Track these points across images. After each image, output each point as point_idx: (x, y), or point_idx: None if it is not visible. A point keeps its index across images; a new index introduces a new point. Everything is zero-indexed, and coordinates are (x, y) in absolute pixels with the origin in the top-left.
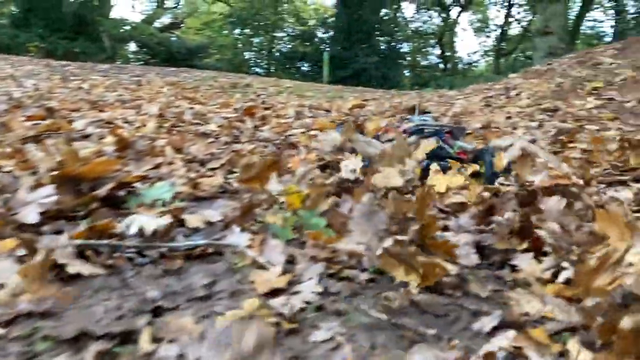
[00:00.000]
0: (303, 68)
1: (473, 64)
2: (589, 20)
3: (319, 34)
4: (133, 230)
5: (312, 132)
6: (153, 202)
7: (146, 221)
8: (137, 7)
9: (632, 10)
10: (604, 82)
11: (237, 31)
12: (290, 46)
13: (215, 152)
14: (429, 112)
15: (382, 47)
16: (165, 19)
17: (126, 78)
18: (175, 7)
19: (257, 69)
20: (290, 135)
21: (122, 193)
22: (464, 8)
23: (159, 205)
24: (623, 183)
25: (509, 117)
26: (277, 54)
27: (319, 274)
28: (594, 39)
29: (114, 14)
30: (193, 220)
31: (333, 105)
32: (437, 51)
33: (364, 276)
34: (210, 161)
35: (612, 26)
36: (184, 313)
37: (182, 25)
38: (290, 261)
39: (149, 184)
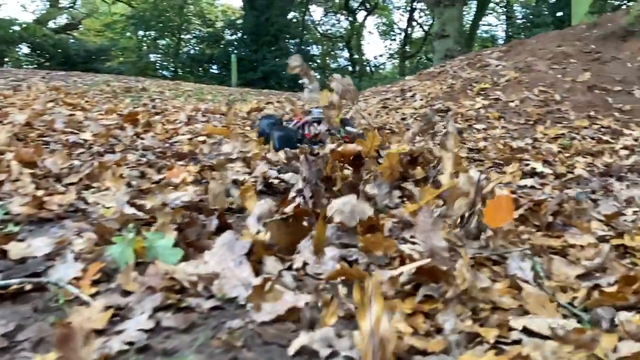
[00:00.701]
0: (212, 70)
1: (380, 67)
2: (484, 25)
3: (227, 36)
4: None
5: (201, 138)
6: None
7: None
8: (29, 6)
9: (520, 15)
10: (491, 83)
11: (141, 33)
12: (197, 48)
13: (75, 165)
14: None
15: (291, 50)
16: (61, 20)
17: (3, 83)
18: (72, 7)
19: (164, 72)
20: (175, 142)
21: None
22: (370, 12)
23: None
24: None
25: (403, 118)
26: (184, 56)
27: (154, 307)
28: (488, 42)
29: (1, 13)
30: (17, 250)
31: (231, 108)
32: (346, 54)
33: (209, 304)
34: (68, 175)
35: (504, 30)
36: None
37: (79, 26)
38: (127, 292)
39: None
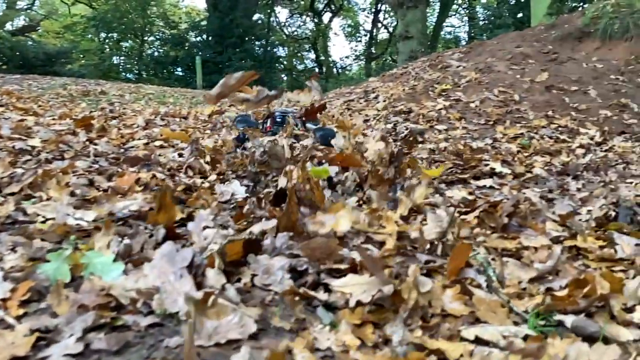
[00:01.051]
0: (177, 73)
1: (347, 68)
2: (448, 26)
3: (191, 38)
4: None
5: (157, 143)
6: None
7: None
8: None
9: (482, 17)
10: (452, 84)
11: (103, 35)
12: (161, 51)
13: (17, 173)
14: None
15: (257, 51)
16: (19, 22)
17: None
18: (30, 9)
19: (128, 75)
20: (131, 147)
21: None
22: (335, 13)
23: None
24: (463, 181)
25: (366, 120)
26: (148, 59)
27: (84, 328)
28: (452, 43)
29: None
30: None
31: (192, 111)
32: (313, 55)
33: (147, 321)
34: (9, 185)
35: (466, 32)
36: None
37: (38, 28)
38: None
39: None
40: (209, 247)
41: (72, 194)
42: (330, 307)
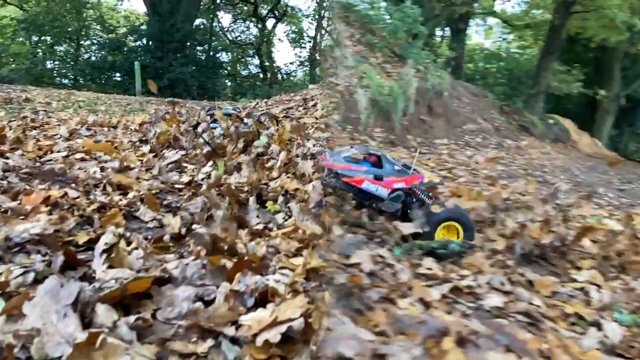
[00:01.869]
0: (115, 78)
1: (292, 74)
2: None
3: (130, 43)
4: None
5: (79, 156)
6: None
7: None
8: None
9: None
10: None
11: (35, 38)
12: (98, 55)
13: None
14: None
15: (199, 57)
16: None
17: None
18: None
19: (64, 80)
20: (47, 161)
21: None
22: (279, 19)
23: None
24: None
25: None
26: (84, 64)
27: None
28: None
29: None
30: None
31: (123, 120)
32: (257, 61)
33: None
34: None
35: None
36: None
37: None
38: None
39: None
40: (110, 280)
41: None
42: (236, 341)
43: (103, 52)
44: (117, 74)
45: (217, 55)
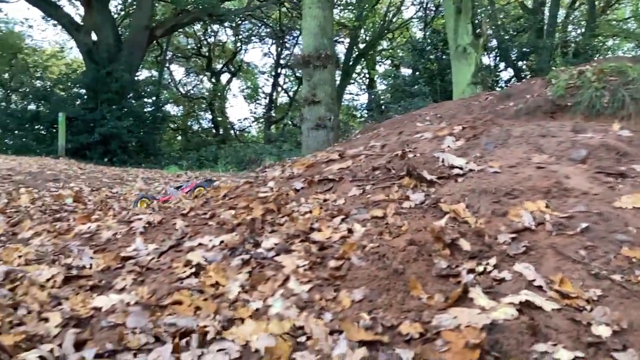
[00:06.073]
0: (40, 132)
1: (245, 130)
2: (349, 94)
3: (59, 92)
4: None
5: None
6: None
7: None
8: None
9: (387, 85)
10: None
11: None
12: (21, 104)
13: None
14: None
15: (142, 110)
16: None
17: None
18: None
19: None
20: None
21: None
22: (234, 75)
23: None
24: None
25: None
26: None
27: None
28: (354, 110)
29: None
30: None
31: None
32: (209, 115)
33: None
34: None
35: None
36: None
37: None
38: None
39: None
40: None
41: None
42: None
43: (24, 102)
44: (41, 127)
45: (163, 108)
